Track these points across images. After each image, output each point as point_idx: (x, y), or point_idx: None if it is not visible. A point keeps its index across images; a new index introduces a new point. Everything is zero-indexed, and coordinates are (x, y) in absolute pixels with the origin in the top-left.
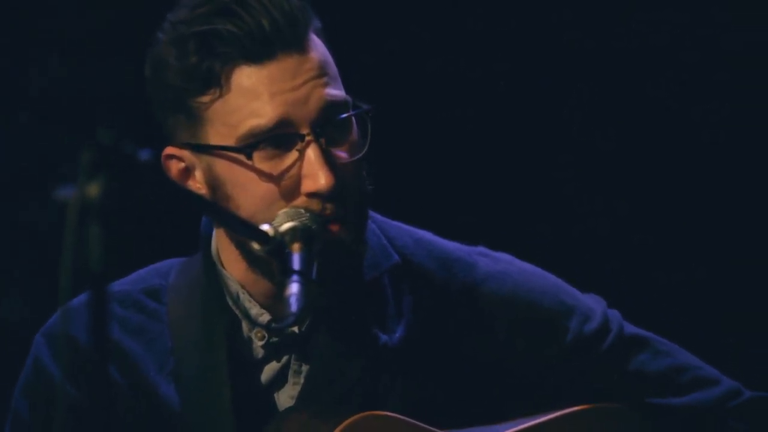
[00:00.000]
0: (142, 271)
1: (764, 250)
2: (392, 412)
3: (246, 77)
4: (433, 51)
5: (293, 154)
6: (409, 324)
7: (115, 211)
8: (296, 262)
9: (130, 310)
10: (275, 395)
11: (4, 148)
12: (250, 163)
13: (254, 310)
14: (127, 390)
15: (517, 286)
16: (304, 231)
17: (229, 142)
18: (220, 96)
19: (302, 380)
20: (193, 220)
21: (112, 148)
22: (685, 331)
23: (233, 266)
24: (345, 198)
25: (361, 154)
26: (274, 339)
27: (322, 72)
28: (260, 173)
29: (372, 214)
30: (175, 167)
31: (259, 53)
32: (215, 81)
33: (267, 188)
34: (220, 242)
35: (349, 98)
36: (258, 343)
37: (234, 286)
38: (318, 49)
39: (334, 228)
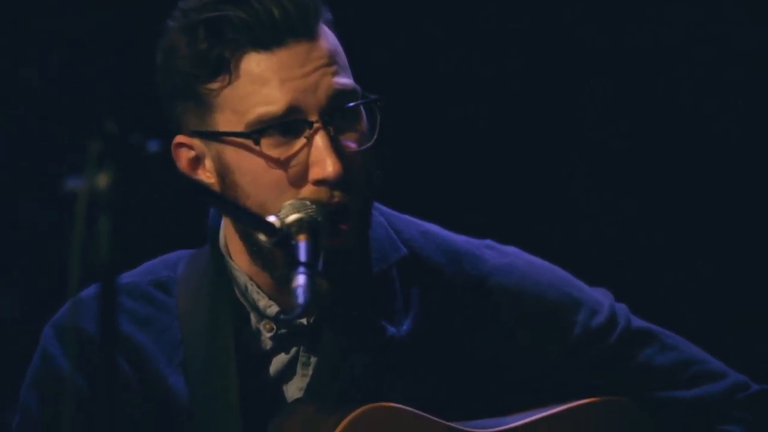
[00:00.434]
0: (150, 263)
1: None
2: (399, 403)
3: (255, 64)
4: (446, 48)
5: (301, 141)
6: (416, 317)
7: (124, 203)
8: (302, 254)
9: (139, 302)
10: (283, 387)
11: (4, 148)
12: (258, 149)
13: (262, 301)
14: (136, 382)
15: (525, 278)
16: (310, 223)
17: (238, 128)
18: (230, 83)
19: (310, 372)
20: (201, 212)
21: (120, 139)
22: (692, 328)
23: (241, 258)
24: (351, 187)
25: (369, 144)
26: (283, 330)
27: (332, 60)
28: (268, 159)
29: (379, 206)
30: (185, 156)
31: (269, 40)
32: (225, 67)
33: (275, 175)
34: (228, 234)
35: (358, 87)
36: (266, 335)
37: (242, 278)
38: (328, 38)
39: (343, 227)
